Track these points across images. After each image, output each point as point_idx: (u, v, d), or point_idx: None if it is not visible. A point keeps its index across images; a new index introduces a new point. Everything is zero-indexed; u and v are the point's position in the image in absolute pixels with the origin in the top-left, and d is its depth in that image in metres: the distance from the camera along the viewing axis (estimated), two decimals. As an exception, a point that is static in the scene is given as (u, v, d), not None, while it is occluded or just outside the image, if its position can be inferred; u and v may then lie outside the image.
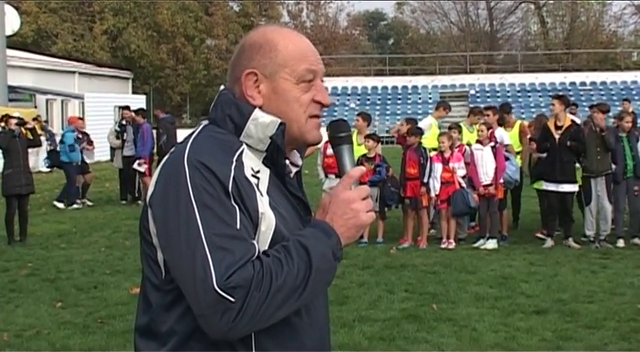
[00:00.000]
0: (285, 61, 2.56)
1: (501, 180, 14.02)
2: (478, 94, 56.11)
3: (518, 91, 56.70)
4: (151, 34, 65.06)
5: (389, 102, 57.77)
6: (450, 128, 14.95)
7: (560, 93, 17.06)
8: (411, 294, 10.61)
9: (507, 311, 9.68)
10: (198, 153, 2.39)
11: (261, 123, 2.49)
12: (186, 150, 2.42)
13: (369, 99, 57.87)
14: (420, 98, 57.33)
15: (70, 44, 62.63)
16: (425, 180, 14.06)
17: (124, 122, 21.88)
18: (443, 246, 14.02)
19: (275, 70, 2.55)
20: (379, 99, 58.12)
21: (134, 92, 54.32)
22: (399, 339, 8.56)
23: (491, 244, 13.92)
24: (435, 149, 14.62)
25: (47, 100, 41.30)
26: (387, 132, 45.92)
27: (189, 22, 66.74)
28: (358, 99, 57.76)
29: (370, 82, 61.00)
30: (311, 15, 78.69)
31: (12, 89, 39.67)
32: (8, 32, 41.28)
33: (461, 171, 14.10)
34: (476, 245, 14.04)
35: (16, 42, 49.06)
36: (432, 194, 14.07)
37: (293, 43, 2.60)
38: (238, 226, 2.31)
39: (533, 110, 47.13)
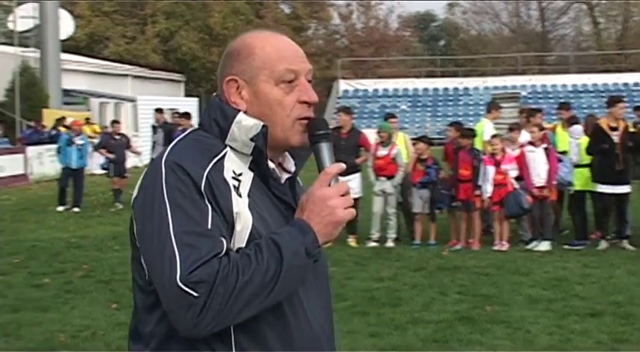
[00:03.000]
0: (263, 63, 2.54)
1: (554, 182, 13.94)
2: (530, 95, 55.70)
3: (571, 92, 56.12)
4: (202, 36, 65.39)
5: (440, 104, 57.52)
6: (510, 129, 14.86)
7: (614, 95, 16.92)
8: (464, 296, 10.59)
9: (562, 313, 9.62)
10: (175, 155, 2.44)
11: (245, 126, 2.50)
12: (165, 153, 2.48)
13: (419, 101, 57.69)
14: (471, 100, 57.06)
15: (122, 47, 63.17)
16: (478, 183, 14.01)
17: (155, 124, 22.04)
18: (496, 247, 13.97)
19: (254, 73, 2.55)
20: (430, 101, 57.89)
21: (187, 95, 54.58)
22: (453, 341, 8.55)
23: (545, 246, 13.83)
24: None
25: (100, 103, 41.68)
26: (439, 133, 45.86)
27: (240, 24, 66.98)
28: (409, 101, 57.59)
29: (421, 83, 60.78)
30: (361, 17, 78.50)
31: (66, 92, 40.14)
32: (63, 36, 41.82)
33: (513, 173, 14.03)
34: (529, 247, 13.96)
35: (69, 46, 49.57)
36: (485, 196, 14.01)
37: (270, 44, 2.58)
38: (209, 224, 2.34)
39: (585, 111, 46.60)
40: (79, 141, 21.09)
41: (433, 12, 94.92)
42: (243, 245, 2.40)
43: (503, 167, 13.96)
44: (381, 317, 9.46)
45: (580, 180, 14.22)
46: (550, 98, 52.76)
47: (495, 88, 57.37)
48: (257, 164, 2.52)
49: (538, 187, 13.83)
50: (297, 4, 74.48)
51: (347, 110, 15.45)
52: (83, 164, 21.17)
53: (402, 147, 14.98)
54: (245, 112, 2.53)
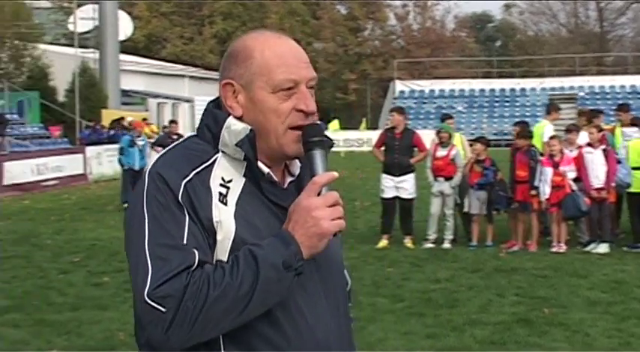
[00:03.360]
0: (260, 69, 2.44)
1: (613, 184, 13.82)
2: (587, 96, 55.22)
3: (629, 93, 55.51)
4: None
5: (497, 105, 57.24)
6: (568, 130, 14.75)
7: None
8: (521, 298, 10.53)
9: (621, 316, 9.54)
10: (160, 164, 2.40)
11: (234, 131, 2.41)
12: (153, 162, 2.45)
13: (476, 102, 57.46)
14: (528, 101, 56.72)
15: (179, 48, 63.72)
16: (535, 184, 13.93)
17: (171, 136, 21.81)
18: (554, 249, 13.87)
19: (250, 79, 2.45)
20: (487, 102, 57.64)
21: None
22: (510, 343, 8.52)
23: (603, 248, 13.71)
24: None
25: (158, 104, 42.11)
26: (495, 134, 45.62)
27: (296, 25, 67.22)
28: (465, 102, 57.40)
29: (478, 84, 60.55)
30: (418, 17, 78.37)
31: (124, 93, 40.58)
32: (121, 37, 42.31)
33: (571, 175, 13.92)
34: (587, 249, 13.85)
35: (128, 47, 50.10)
36: (543, 198, 13.91)
37: (270, 49, 2.46)
38: (185, 235, 2.29)
39: (645, 112, 46.22)
40: (139, 141, 21.26)
41: (490, 12, 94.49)
42: (226, 255, 2.32)
43: (561, 168, 13.86)
44: (438, 319, 9.45)
45: (636, 182, 14.08)
46: (608, 99, 52.30)
47: (552, 89, 56.97)
48: (250, 169, 2.44)
49: (596, 189, 13.72)
50: (353, 4, 74.55)
51: (400, 110, 15.43)
52: (144, 164, 20.88)
53: (460, 148, 14.94)
54: (240, 117, 2.46)
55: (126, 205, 19.45)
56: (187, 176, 2.35)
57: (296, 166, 2.59)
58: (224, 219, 2.34)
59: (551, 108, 16.42)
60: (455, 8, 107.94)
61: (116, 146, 28.12)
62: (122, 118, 31.95)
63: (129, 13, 49.55)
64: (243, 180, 2.43)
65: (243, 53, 2.47)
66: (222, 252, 2.33)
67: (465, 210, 14.57)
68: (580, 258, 13.32)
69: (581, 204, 13.62)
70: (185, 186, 2.33)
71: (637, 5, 79.03)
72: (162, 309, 2.20)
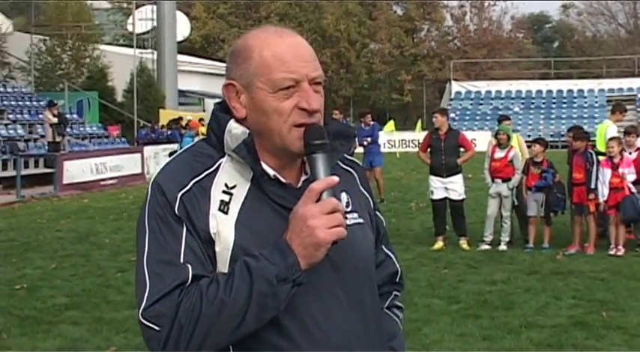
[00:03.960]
0: (259, 69, 2.38)
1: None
2: (647, 98, 54.61)
3: (689, 95, 54.88)
4: (315, 38, 65.86)
5: (554, 106, 56.81)
6: (626, 132, 14.60)
7: None
8: (579, 301, 10.44)
9: (680, 320, 9.44)
10: (161, 174, 2.39)
11: (235, 134, 2.38)
12: (157, 171, 2.43)
13: (533, 103, 57.07)
14: (585, 102, 56.23)
15: (236, 49, 64.02)
16: (592, 186, 13.82)
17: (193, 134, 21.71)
18: (611, 252, 13.73)
19: (250, 80, 2.39)
20: (544, 103, 57.22)
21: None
22: (567, 346, 8.46)
23: (662, 252, 13.58)
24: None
25: (215, 104, 42.39)
26: (552, 136, 45.27)
27: (352, 26, 67.25)
28: (522, 103, 57.05)
29: (535, 85, 60.20)
30: (474, 18, 78.08)
31: (182, 93, 40.89)
32: (179, 38, 42.67)
33: (630, 177, 13.79)
34: (646, 252, 13.73)
35: (184, 47, 50.50)
36: (601, 200, 13.79)
37: (269, 48, 2.39)
38: (182, 249, 2.27)
39: None
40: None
41: (547, 13, 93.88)
42: (227, 266, 2.28)
43: (620, 170, 13.73)
44: (494, 321, 9.42)
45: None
46: (668, 101, 51.62)
47: (611, 90, 56.44)
48: (254, 172, 2.37)
49: (656, 191, 13.58)
50: (409, 5, 74.50)
51: (443, 111, 15.40)
52: None
53: (517, 150, 14.84)
54: (244, 118, 2.41)
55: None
56: (185, 186, 2.33)
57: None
58: (222, 229, 2.31)
59: (616, 108, 16.29)
60: (512, 9, 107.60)
61: (173, 146, 28.36)
62: (180, 118, 32.23)
63: (186, 14, 49.99)
64: (248, 184, 2.38)
65: (244, 53, 2.42)
66: (222, 263, 2.30)
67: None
68: (638, 261, 13.18)
69: (640, 206, 13.48)
70: (181, 198, 2.31)
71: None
72: (157, 328, 2.21)
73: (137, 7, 41.52)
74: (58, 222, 18.62)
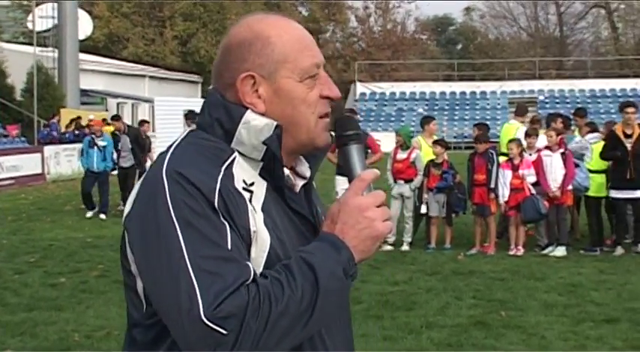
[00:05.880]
0: (285, 55, 2.18)
1: (570, 187, 13.88)
2: (547, 100, 55.66)
3: (588, 97, 56.08)
4: (220, 39, 65.40)
5: (457, 107, 57.55)
6: (527, 134, 14.75)
7: (631, 100, 16.82)
8: (479, 301, 10.55)
9: (577, 319, 9.57)
10: (178, 163, 2.06)
11: (254, 126, 2.14)
12: (165, 161, 2.09)
13: (437, 105, 57.72)
14: (488, 104, 57.09)
15: (140, 49, 63.35)
16: (492, 185, 13.99)
17: (116, 132, 20.67)
18: (511, 252, 13.91)
19: (274, 68, 2.17)
20: (447, 105, 57.94)
21: (203, 96, 54.72)
22: (467, 346, 8.52)
23: (560, 251, 13.77)
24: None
25: (118, 104, 41.93)
26: (455, 137, 45.82)
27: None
28: (426, 105, 57.63)
29: (438, 87, 60.89)
30: (379, 20, 78.61)
31: (84, 92, 40.30)
32: (81, 36, 42.03)
33: (530, 178, 13.97)
34: (544, 252, 13.91)
35: (87, 46, 49.79)
36: (501, 201, 13.96)
37: (287, 32, 2.21)
38: (229, 246, 1.98)
39: (603, 117, 46.55)
40: (100, 142, 19.57)
41: (451, 15, 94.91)
42: (260, 270, 2.03)
43: (520, 172, 13.90)
44: (395, 321, 9.44)
45: (594, 185, 14.17)
46: (567, 103, 52.72)
47: (512, 92, 57.42)
48: (269, 171, 2.16)
49: (553, 191, 13.77)
50: (314, 6, 74.62)
51: (351, 112, 15.49)
52: (107, 167, 19.61)
53: (424, 150, 14.88)
54: (264, 114, 2.17)
55: (90, 214, 18.89)
56: (218, 176, 2.05)
57: (304, 167, 2.34)
58: (259, 227, 2.07)
59: (521, 110, 16.63)
60: (416, 11, 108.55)
61: (74, 146, 27.85)
62: (79, 118, 31.71)
63: (89, 13, 49.24)
64: (264, 183, 2.16)
65: (259, 40, 2.19)
66: (257, 267, 2.03)
67: (423, 212, 14.55)
68: (537, 261, 13.37)
69: (541, 207, 13.66)
70: (220, 189, 2.02)
71: (596, 10, 79.75)
72: (224, 332, 1.90)
73: (37, 5, 40.75)
74: (-47, 223, 18.14)
